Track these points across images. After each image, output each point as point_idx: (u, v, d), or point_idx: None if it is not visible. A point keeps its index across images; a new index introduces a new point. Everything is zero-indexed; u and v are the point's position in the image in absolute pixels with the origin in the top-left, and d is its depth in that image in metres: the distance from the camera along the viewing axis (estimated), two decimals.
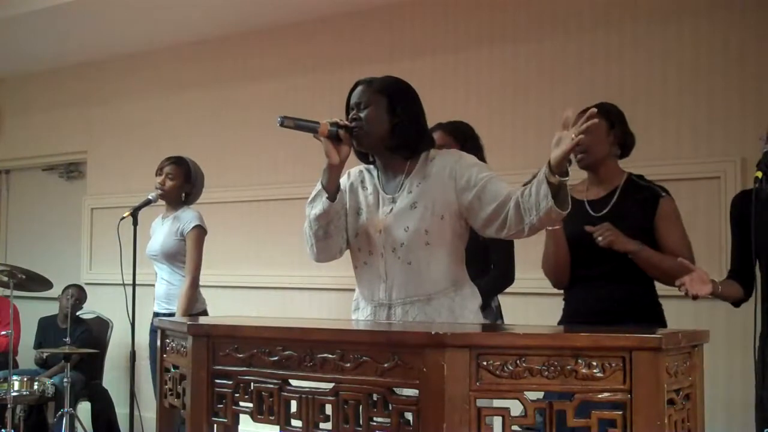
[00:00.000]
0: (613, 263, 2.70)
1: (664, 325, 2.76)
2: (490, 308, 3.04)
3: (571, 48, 4.32)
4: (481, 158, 2.83)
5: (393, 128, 2.35)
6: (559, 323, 2.88)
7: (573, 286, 2.84)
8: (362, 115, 2.34)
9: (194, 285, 3.89)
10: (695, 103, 3.98)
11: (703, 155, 3.93)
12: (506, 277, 3.05)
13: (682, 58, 4.02)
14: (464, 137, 3.06)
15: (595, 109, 2.07)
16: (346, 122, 2.34)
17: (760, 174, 2.39)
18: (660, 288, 2.81)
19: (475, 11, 4.63)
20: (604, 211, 2.76)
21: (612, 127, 2.81)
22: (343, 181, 2.45)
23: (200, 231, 3.94)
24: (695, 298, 2.45)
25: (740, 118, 3.83)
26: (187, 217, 3.98)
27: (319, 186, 2.35)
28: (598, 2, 4.27)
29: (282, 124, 2.28)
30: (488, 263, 3.01)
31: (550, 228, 2.65)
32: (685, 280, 2.46)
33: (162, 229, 4.03)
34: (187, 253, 3.92)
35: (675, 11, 4.06)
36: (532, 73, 4.43)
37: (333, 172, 2.33)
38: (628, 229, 2.67)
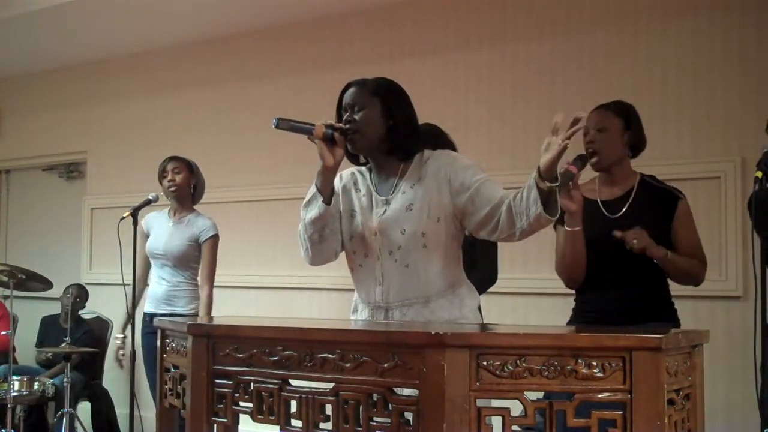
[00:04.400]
0: (627, 265, 2.67)
1: (677, 324, 2.73)
2: None
3: (571, 48, 4.31)
4: None
5: (388, 130, 2.34)
6: (569, 323, 2.86)
7: (587, 287, 2.79)
8: (357, 117, 2.32)
9: (212, 291, 3.96)
10: (695, 103, 3.97)
11: (703, 155, 3.93)
12: (490, 277, 3.04)
13: (682, 58, 4.02)
14: (434, 143, 2.97)
15: (582, 114, 2.05)
16: (341, 125, 2.32)
17: (760, 174, 2.38)
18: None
19: (475, 11, 4.63)
20: (620, 213, 2.72)
21: (627, 128, 2.77)
22: (336, 183, 2.42)
23: (216, 240, 4.02)
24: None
25: (740, 118, 3.83)
26: (204, 224, 4.01)
27: (313, 189, 2.34)
28: (598, 2, 4.26)
29: (277, 126, 2.26)
30: (472, 263, 2.98)
31: (569, 228, 2.63)
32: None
33: (170, 230, 4.01)
34: (205, 261, 3.98)
35: (675, 11, 4.06)
36: (532, 73, 4.42)
37: (327, 174, 2.31)
38: (647, 230, 2.63)
